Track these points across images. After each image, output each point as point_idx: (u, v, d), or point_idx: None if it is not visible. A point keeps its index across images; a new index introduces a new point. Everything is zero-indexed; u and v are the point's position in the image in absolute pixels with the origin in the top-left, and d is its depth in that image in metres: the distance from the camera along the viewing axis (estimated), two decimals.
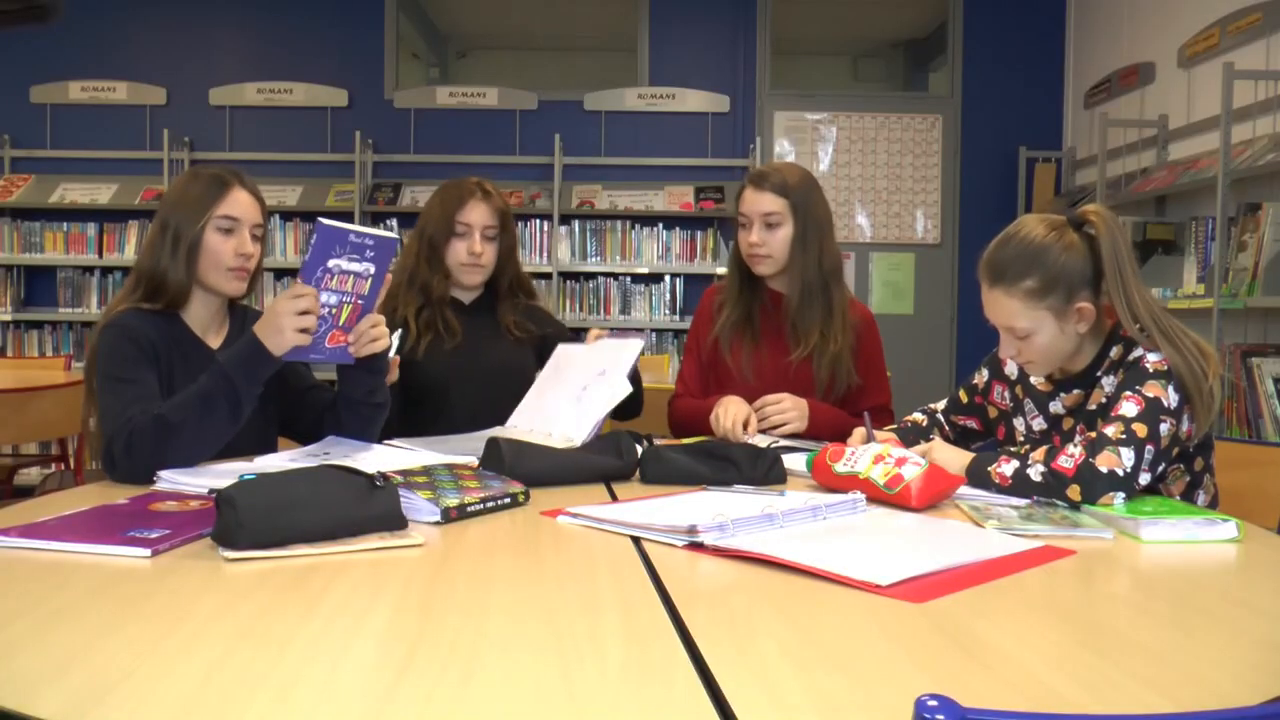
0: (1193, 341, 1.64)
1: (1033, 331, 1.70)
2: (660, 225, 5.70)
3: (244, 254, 1.87)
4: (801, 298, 2.32)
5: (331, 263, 1.78)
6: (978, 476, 1.66)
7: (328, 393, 2.00)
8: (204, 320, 1.91)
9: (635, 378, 2.24)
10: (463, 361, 2.37)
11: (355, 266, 1.82)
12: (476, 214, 2.39)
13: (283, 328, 1.70)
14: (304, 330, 1.73)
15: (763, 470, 1.75)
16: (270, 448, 1.97)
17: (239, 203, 1.87)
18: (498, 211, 2.42)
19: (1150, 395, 1.59)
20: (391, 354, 1.97)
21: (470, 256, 2.39)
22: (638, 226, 5.70)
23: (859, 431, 1.91)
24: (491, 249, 2.43)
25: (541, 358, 2.35)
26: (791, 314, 2.34)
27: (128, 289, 1.89)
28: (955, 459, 1.71)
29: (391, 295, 2.41)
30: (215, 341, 1.91)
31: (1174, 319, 1.66)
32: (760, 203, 2.31)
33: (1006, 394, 1.94)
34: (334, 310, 1.81)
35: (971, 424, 2.03)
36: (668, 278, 5.68)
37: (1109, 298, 1.69)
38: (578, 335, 2.48)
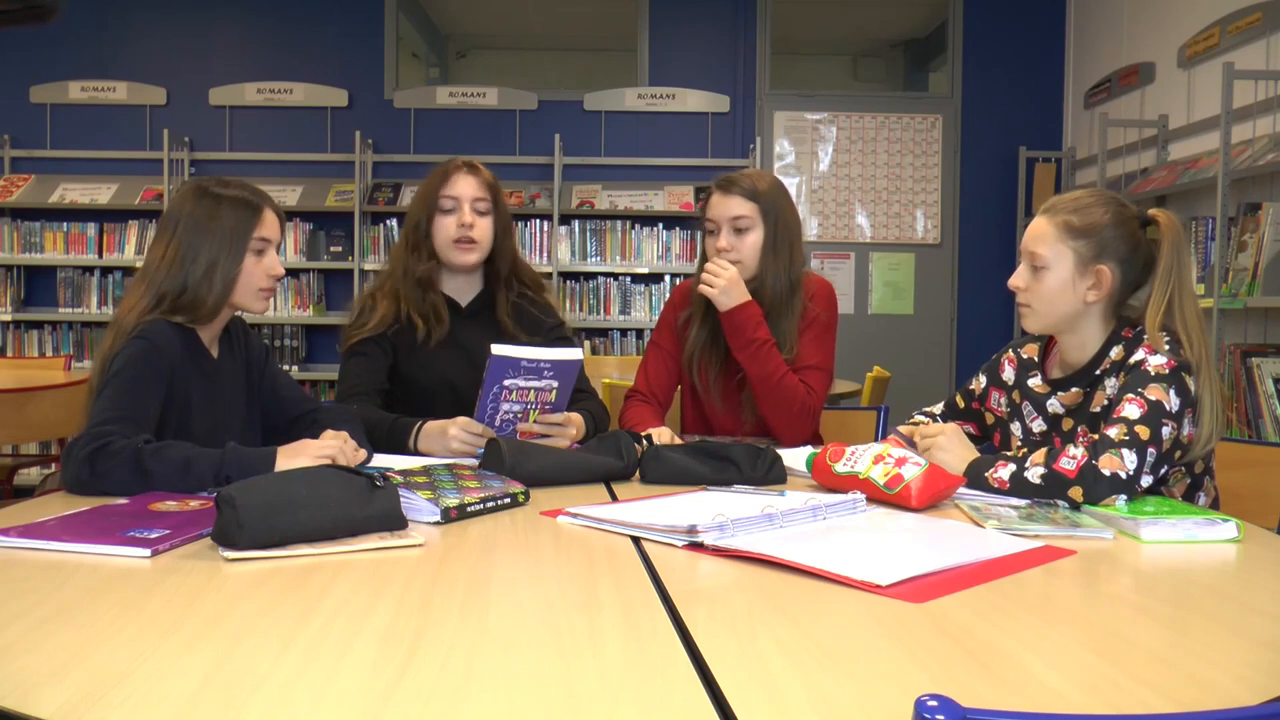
0: (1208, 383, 1.63)
1: (1048, 266, 1.73)
2: (660, 225, 5.70)
3: (274, 275, 1.87)
4: (770, 310, 2.23)
5: (508, 382, 1.91)
6: (975, 481, 1.65)
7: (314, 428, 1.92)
8: (214, 333, 1.91)
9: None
10: (459, 369, 2.19)
11: (534, 383, 1.94)
12: (462, 186, 2.23)
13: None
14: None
15: (763, 470, 1.75)
16: None
17: (270, 224, 1.86)
18: (486, 185, 2.25)
19: (1152, 398, 1.59)
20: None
21: (460, 230, 2.20)
22: (638, 226, 5.70)
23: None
24: (485, 223, 2.23)
25: None
26: None
27: (149, 302, 1.80)
28: (955, 460, 1.71)
29: (386, 294, 2.24)
30: (214, 350, 1.90)
31: (1213, 370, 1.66)
32: (729, 207, 2.24)
33: (1003, 400, 1.94)
34: (519, 415, 1.96)
35: (968, 429, 2.02)
36: (668, 278, 5.68)
37: (1150, 296, 1.71)
38: (572, 337, 2.34)
